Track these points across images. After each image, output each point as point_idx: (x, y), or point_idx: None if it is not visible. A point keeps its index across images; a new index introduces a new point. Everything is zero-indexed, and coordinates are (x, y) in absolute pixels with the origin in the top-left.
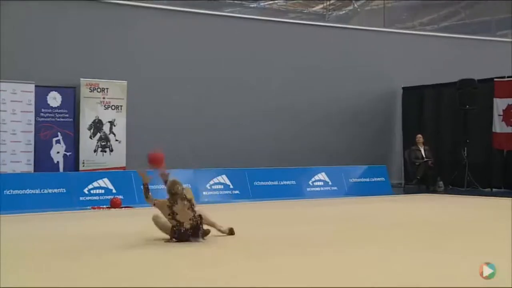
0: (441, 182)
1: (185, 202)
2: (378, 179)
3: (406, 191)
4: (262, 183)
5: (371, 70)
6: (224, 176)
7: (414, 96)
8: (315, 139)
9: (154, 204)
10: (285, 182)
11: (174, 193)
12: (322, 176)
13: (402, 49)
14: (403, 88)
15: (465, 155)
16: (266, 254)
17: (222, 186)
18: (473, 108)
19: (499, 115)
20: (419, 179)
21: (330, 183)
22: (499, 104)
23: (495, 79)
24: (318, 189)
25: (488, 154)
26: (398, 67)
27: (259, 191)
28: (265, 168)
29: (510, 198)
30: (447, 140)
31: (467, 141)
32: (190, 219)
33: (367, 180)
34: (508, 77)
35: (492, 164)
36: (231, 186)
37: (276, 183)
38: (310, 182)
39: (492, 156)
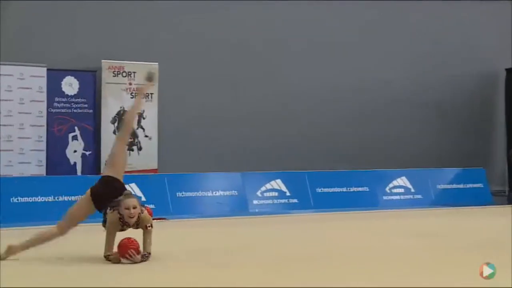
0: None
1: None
2: (475, 185)
3: (511, 201)
4: (326, 189)
5: (461, 48)
6: (278, 180)
7: None
8: (392, 135)
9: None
10: (355, 189)
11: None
12: (402, 181)
13: (505, 18)
14: (508, 70)
15: None
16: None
17: (276, 194)
18: None
19: None
20: None
21: (412, 190)
22: None
23: None
24: (397, 197)
25: None
26: (500, 43)
27: (322, 199)
28: (329, 171)
29: None
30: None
31: None
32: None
33: (461, 186)
34: None
35: None
36: (288, 194)
37: (344, 189)
38: (387, 189)
39: None
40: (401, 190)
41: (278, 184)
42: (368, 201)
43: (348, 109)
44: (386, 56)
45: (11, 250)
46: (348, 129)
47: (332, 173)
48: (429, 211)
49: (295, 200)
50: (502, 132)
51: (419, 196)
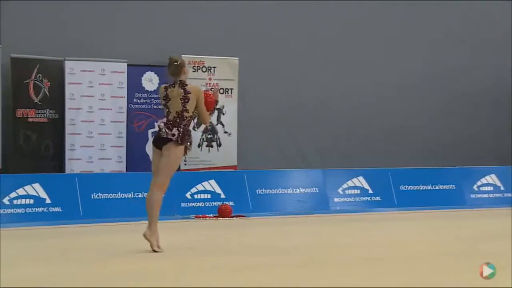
0: None
1: (181, 91)
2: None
3: None
4: (410, 187)
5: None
6: (361, 178)
7: None
8: (479, 129)
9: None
10: (441, 187)
11: (176, 65)
12: (491, 178)
13: None
14: None
15: None
16: None
17: (358, 191)
18: None
19: None
20: None
21: (502, 188)
22: None
23: None
24: (486, 195)
25: None
26: None
27: (406, 197)
28: (413, 168)
29: None
30: None
31: None
32: (176, 112)
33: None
34: None
35: None
36: (371, 191)
37: (429, 187)
38: (475, 187)
39: None
40: (490, 188)
41: (360, 181)
42: (455, 199)
43: (430, 104)
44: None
45: (148, 236)
46: (432, 124)
47: (416, 170)
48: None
49: (378, 198)
50: None
51: (509, 195)
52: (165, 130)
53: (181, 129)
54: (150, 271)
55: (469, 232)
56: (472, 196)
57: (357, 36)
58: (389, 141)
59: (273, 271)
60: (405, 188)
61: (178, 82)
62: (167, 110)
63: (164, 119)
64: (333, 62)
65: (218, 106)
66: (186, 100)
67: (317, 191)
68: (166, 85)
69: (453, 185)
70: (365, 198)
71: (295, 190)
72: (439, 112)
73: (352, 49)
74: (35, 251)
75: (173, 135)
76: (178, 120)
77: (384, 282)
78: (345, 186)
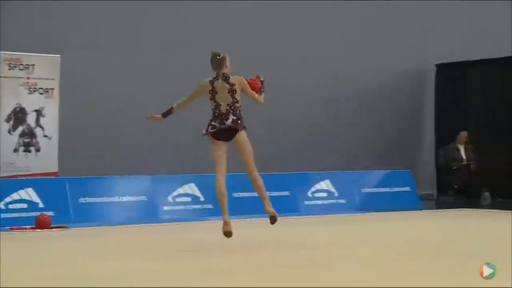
0: (487, 193)
1: (226, 84)
2: (402, 188)
3: (439, 205)
4: (241, 194)
5: (388, 41)
6: (192, 184)
7: (452, 77)
8: (313, 134)
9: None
10: (274, 193)
11: (220, 58)
12: (325, 184)
13: (436, 10)
14: (437, 65)
15: None
16: None
17: (189, 199)
18: None
19: None
20: (457, 189)
21: (336, 194)
22: None
23: None
24: (319, 202)
25: None
26: (430, 36)
27: (239, 204)
28: (244, 173)
29: None
30: (498, 137)
31: None
32: (227, 104)
33: (387, 190)
34: None
35: None
36: (202, 199)
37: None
38: (309, 193)
39: None
40: (324, 195)
41: (191, 188)
42: (288, 207)
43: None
44: (309, 56)
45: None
46: (267, 129)
47: (246, 176)
48: (353, 216)
49: (209, 206)
50: (431, 131)
51: (342, 201)
52: (226, 122)
53: (239, 116)
54: None
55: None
56: (306, 203)
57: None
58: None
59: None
60: (238, 195)
61: (221, 75)
62: (215, 103)
63: (215, 113)
64: (164, 61)
65: (37, 108)
66: (234, 92)
67: (146, 199)
68: (210, 79)
69: (287, 192)
70: (196, 206)
71: (122, 198)
72: (271, 118)
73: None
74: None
75: (237, 123)
76: (232, 111)
77: None
78: (179, 192)
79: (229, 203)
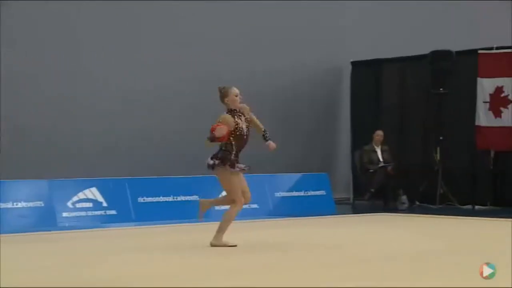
0: (404, 197)
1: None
2: (316, 192)
3: (356, 210)
4: (150, 199)
5: (303, 38)
6: (94, 189)
7: (368, 75)
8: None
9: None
10: (183, 197)
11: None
12: None
13: (351, 7)
14: (353, 63)
15: (438, 158)
16: None
17: (91, 204)
18: (450, 92)
19: (485, 101)
20: (374, 193)
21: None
22: (485, 87)
23: (480, 51)
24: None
25: (470, 156)
26: (346, 34)
27: (145, 210)
28: (154, 177)
29: (502, 219)
30: (414, 137)
31: (441, 138)
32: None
33: (301, 194)
34: (497, 48)
35: (476, 171)
36: (105, 204)
37: (170, 198)
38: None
39: (476, 160)
40: None
41: (93, 193)
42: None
43: (175, 110)
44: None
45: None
46: (173, 132)
47: (156, 180)
48: (264, 222)
49: (113, 212)
50: (347, 132)
51: (255, 206)
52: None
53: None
54: None
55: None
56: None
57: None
58: (120, 150)
59: None
60: (144, 200)
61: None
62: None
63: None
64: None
65: None
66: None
67: (43, 205)
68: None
69: (197, 196)
70: (99, 213)
71: (16, 204)
72: (174, 118)
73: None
74: None
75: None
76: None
77: None
78: (75, 198)
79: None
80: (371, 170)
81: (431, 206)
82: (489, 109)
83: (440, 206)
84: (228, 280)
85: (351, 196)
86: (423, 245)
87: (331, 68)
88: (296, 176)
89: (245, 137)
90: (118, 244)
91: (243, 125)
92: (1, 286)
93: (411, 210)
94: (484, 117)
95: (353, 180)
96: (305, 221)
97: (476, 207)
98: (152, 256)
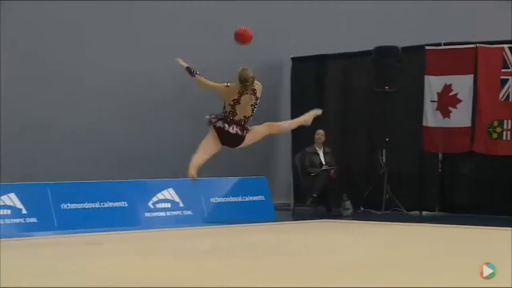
0: (348, 202)
1: (253, 98)
2: (255, 197)
3: (297, 216)
4: (73, 205)
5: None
6: (12, 195)
7: (309, 72)
8: (155, 135)
9: (227, 85)
10: (109, 204)
11: (247, 83)
12: (169, 193)
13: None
14: (293, 59)
15: (384, 161)
16: None
17: (8, 211)
18: (396, 91)
19: (432, 100)
20: (316, 198)
21: (181, 205)
22: (433, 85)
23: (427, 47)
24: (162, 214)
25: (418, 159)
26: (287, 27)
27: (69, 217)
28: (77, 181)
29: (450, 226)
30: (359, 139)
31: (387, 140)
32: (244, 116)
33: (238, 199)
34: (445, 44)
35: (423, 175)
36: (25, 211)
37: (96, 205)
38: (150, 204)
39: (423, 163)
40: (167, 205)
41: (12, 199)
42: (126, 219)
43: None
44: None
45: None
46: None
47: (79, 184)
48: (200, 230)
49: (33, 220)
50: (287, 134)
51: (189, 212)
52: (237, 131)
53: (246, 127)
54: None
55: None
56: (147, 215)
57: None
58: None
59: None
60: (67, 206)
61: (251, 90)
62: (232, 110)
63: (228, 117)
64: None
65: None
66: (255, 106)
67: None
68: (239, 89)
69: (125, 202)
70: (18, 221)
71: None
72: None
73: None
74: None
75: (243, 131)
76: (244, 123)
77: None
78: None
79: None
80: (313, 174)
81: (377, 212)
82: (437, 109)
83: (386, 212)
84: None
85: (292, 201)
86: (365, 253)
87: (270, 64)
88: (233, 180)
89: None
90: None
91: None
92: None
93: (355, 216)
94: (431, 117)
95: (294, 185)
96: (242, 229)
97: (424, 212)
98: None
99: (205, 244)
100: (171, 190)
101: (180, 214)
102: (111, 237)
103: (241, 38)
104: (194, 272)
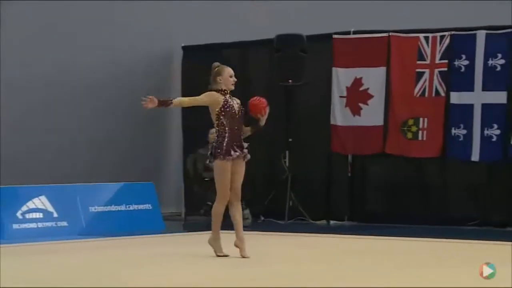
0: (247, 211)
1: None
2: (140, 206)
3: (189, 227)
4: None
5: (121, 20)
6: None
7: (202, 62)
8: (27, 138)
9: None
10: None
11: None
12: (41, 202)
13: None
14: (184, 47)
15: (287, 164)
16: None
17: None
18: (300, 84)
19: (341, 96)
20: (211, 206)
21: (55, 215)
22: (341, 78)
23: (335, 36)
24: (33, 225)
25: (325, 162)
26: (176, 15)
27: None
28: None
29: (360, 237)
30: (258, 139)
31: (290, 140)
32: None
33: (121, 208)
34: (355, 32)
35: (331, 180)
36: None
37: None
38: (18, 214)
39: (331, 166)
40: (39, 215)
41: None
42: None
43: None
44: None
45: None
46: None
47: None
48: (76, 244)
49: None
50: (178, 133)
51: (64, 224)
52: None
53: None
54: None
55: None
56: (15, 226)
57: None
58: None
59: None
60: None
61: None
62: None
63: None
64: None
65: None
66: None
67: None
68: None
69: None
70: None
71: None
72: None
73: None
74: None
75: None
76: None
77: None
78: None
79: None
80: (207, 179)
81: (279, 221)
82: (346, 106)
83: (290, 221)
84: None
85: (183, 210)
86: (260, 268)
87: (157, 55)
88: (116, 186)
89: (237, 116)
90: None
91: (233, 103)
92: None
93: (254, 226)
94: (340, 115)
95: (185, 191)
96: (127, 241)
97: (332, 222)
98: None
99: (75, 259)
100: (43, 198)
101: (54, 225)
102: None
103: (254, 109)
104: None
